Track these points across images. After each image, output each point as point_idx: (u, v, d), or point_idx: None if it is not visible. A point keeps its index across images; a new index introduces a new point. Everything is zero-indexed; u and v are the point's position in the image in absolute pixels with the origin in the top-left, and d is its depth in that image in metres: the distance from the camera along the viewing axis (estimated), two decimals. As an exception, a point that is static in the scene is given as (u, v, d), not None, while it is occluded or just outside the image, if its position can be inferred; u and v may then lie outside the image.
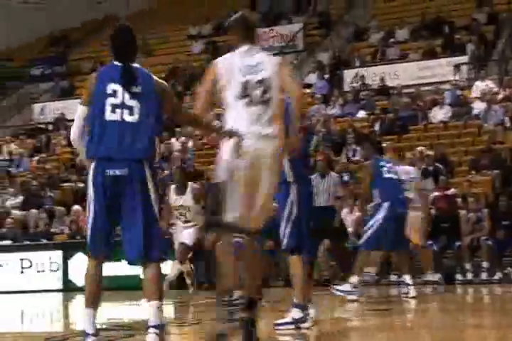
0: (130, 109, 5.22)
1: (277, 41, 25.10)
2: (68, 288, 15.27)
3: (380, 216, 9.70)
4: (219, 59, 5.68)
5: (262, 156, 5.46)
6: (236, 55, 5.68)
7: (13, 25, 28.98)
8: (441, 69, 20.80)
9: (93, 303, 5.28)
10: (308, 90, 21.42)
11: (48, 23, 29.49)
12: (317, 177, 11.76)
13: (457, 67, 20.44)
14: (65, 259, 15.59)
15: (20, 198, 18.94)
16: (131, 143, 5.19)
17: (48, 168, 20.69)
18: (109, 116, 5.20)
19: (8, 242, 16.93)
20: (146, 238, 5.19)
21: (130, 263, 5.38)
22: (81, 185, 18.68)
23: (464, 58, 20.90)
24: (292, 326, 6.52)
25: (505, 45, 21.67)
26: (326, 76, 22.37)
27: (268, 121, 5.54)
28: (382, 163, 9.99)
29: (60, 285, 15.62)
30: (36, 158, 21.57)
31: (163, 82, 5.59)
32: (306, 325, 6.57)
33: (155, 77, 5.42)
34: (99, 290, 5.31)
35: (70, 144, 21.83)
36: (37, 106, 26.04)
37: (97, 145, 5.20)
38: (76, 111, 5.38)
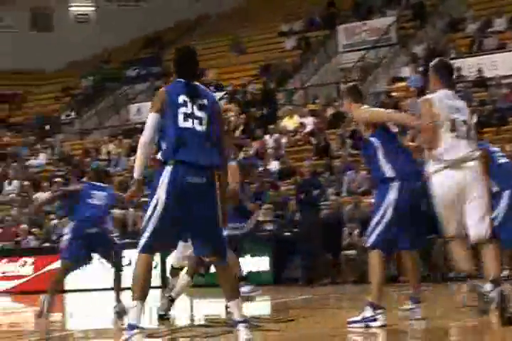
0: (199, 119, 5.52)
1: (370, 35, 24.86)
2: (166, 285, 15.41)
3: (502, 205, 9.04)
4: (434, 98, 6.37)
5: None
6: (444, 98, 6.42)
7: (108, 28, 29.52)
8: (542, 58, 20.26)
9: (143, 296, 5.44)
10: (402, 83, 21.17)
11: (142, 25, 29.89)
12: None
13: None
14: (163, 257, 15.73)
15: (118, 198, 19.23)
16: (207, 151, 5.47)
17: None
18: (182, 123, 5.44)
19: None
20: (218, 242, 5.50)
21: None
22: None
23: None
24: (362, 324, 6.49)
25: None
26: (421, 69, 22.00)
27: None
28: (493, 149, 9.32)
29: (158, 283, 15.78)
30: (133, 157, 21.88)
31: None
32: (376, 323, 6.48)
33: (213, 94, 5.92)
34: (149, 284, 5.51)
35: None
36: (133, 107, 26.45)
37: (174, 150, 5.40)
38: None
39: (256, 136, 20.52)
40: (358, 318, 6.54)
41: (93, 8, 31.87)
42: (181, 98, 5.51)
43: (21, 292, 16.40)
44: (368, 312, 6.51)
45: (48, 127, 26.06)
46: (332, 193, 16.26)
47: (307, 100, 22.94)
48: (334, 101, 20.82)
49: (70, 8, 31.74)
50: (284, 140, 19.94)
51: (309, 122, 20.11)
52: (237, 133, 21.31)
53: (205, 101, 5.58)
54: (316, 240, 13.98)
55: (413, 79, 21.35)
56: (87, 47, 29.35)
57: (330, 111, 20.63)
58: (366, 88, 22.10)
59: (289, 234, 15.08)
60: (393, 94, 20.60)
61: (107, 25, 29.74)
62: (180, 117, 5.45)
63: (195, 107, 5.53)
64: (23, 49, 29.12)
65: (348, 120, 17.74)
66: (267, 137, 20.21)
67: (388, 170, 6.60)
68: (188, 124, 5.46)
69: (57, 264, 11.87)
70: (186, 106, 5.50)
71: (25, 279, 17.01)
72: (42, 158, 23.49)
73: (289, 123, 20.67)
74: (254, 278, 12.13)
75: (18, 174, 22.16)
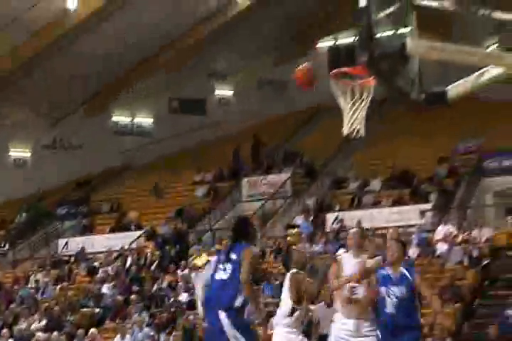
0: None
1: (269, 187, 25.70)
2: None
3: None
4: None
5: None
6: None
7: (47, 171, 29.59)
8: (409, 214, 21.35)
9: None
10: (295, 230, 21.88)
11: (74, 169, 30.00)
12: None
13: (422, 213, 21.00)
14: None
15: (44, 322, 18.98)
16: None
17: (69, 295, 20.81)
18: None
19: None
20: None
21: None
22: (97, 310, 18.78)
23: (428, 205, 21.53)
24: None
25: (464, 194, 22.35)
26: (311, 218, 22.89)
27: None
28: None
29: None
30: (59, 286, 21.74)
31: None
32: None
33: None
34: None
35: (88, 274, 22.30)
36: (61, 241, 26.33)
37: None
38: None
39: (168, 271, 20.81)
40: None
41: (29, 154, 31.57)
42: None
43: None
44: None
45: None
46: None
47: (214, 241, 23.32)
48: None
49: (9, 154, 31.33)
50: (193, 275, 20.19)
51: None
52: (152, 267, 21.71)
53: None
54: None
55: (304, 226, 22.15)
56: (23, 187, 29.27)
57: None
58: (264, 233, 22.85)
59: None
60: (288, 238, 21.23)
61: (46, 168, 29.80)
62: None
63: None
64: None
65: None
66: (178, 271, 20.44)
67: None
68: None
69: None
70: None
71: None
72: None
73: (198, 260, 20.98)
74: None
75: None
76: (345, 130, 7.78)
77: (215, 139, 30.40)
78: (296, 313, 8.01)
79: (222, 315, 6.52)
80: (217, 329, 6.58)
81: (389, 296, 6.83)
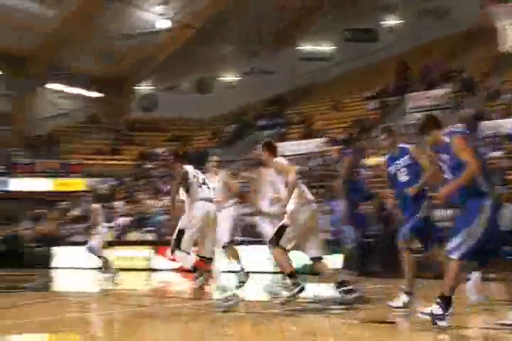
0: None
1: (430, 101, 24.19)
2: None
3: None
4: None
5: None
6: None
7: (248, 91, 29.85)
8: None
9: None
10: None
11: (270, 90, 30.15)
12: None
13: None
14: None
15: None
16: None
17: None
18: None
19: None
20: None
21: None
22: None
23: None
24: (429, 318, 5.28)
25: None
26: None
27: None
28: None
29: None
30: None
31: None
32: (443, 323, 5.22)
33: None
34: None
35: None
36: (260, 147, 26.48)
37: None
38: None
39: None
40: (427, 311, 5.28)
41: (235, 79, 32.32)
42: None
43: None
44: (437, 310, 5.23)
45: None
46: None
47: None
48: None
49: (218, 78, 32.17)
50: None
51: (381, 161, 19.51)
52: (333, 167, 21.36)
53: None
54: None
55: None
56: (230, 105, 29.82)
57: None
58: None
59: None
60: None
61: (244, 90, 30.07)
62: None
63: None
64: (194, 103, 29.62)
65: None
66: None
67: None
68: None
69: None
70: None
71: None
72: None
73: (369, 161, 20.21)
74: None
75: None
76: (503, 47, 6.63)
77: (384, 61, 29.00)
78: None
79: None
80: None
81: None
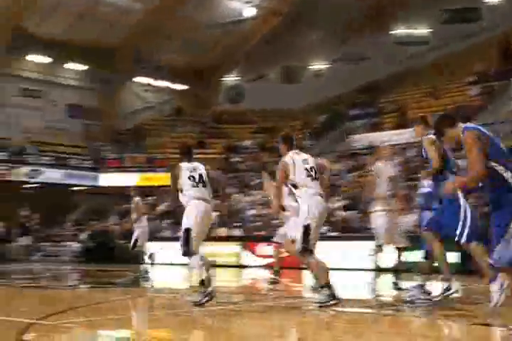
0: None
1: None
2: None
3: None
4: None
5: None
6: None
7: (340, 79, 28.64)
8: None
9: None
10: None
11: (363, 77, 28.74)
12: None
13: None
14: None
15: (342, 202, 18.09)
16: None
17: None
18: None
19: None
20: None
21: None
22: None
23: None
24: None
25: None
26: None
27: None
28: None
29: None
30: (353, 174, 20.75)
31: None
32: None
33: None
34: None
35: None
36: (355, 137, 25.30)
37: None
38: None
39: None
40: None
41: (325, 66, 31.12)
42: None
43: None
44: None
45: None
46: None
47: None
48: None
49: (308, 67, 31.10)
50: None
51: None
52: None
53: None
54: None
55: None
56: (322, 94, 28.67)
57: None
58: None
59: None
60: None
61: (335, 78, 28.84)
62: None
63: None
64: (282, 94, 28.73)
65: None
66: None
67: None
68: None
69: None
70: None
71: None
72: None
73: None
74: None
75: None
76: None
77: (486, 42, 26.83)
78: None
79: None
80: None
81: None
